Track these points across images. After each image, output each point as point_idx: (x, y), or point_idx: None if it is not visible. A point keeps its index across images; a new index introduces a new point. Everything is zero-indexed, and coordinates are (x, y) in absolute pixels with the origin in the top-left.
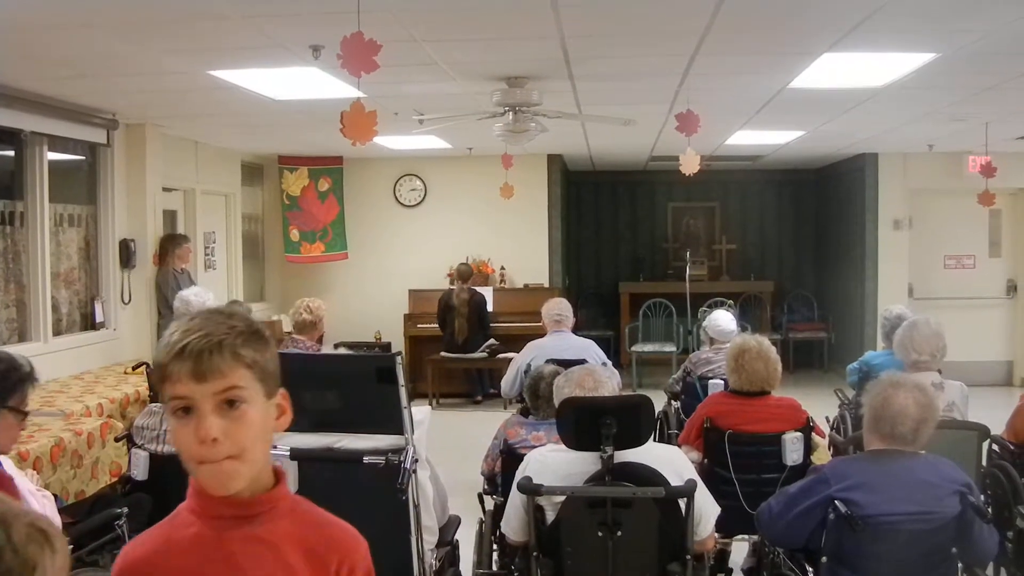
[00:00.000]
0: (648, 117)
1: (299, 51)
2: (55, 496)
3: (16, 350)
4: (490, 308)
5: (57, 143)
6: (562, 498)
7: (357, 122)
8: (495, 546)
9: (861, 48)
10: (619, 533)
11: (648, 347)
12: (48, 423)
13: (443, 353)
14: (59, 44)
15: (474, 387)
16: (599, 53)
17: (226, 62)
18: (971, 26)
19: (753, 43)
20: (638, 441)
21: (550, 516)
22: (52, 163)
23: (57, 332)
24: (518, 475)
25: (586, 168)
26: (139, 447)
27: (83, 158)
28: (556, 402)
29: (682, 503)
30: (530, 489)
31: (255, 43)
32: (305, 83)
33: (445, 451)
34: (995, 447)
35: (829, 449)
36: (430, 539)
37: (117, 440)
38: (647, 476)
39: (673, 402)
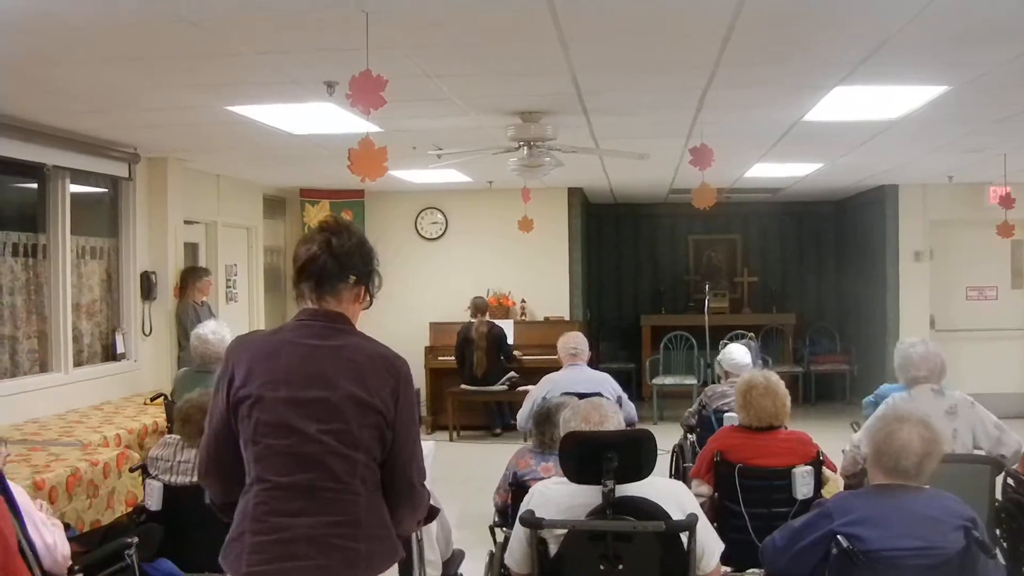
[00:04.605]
0: (664, 151)
1: (314, 87)
2: (67, 525)
3: (37, 381)
4: (510, 341)
5: (79, 176)
6: (564, 531)
7: (366, 159)
8: None
9: (872, 81)
10: (620, 567)
11: (669, 380)
12: (65, 453)
13: (463, 386)
14: (78, 79)
15: (493, 419)
16: (610, 86)
17: (243, 98)
18: (977, 59)
19: (764, 76)
20: (639, 475)
21: (553, 549)
22: (74, 196)
23: (78, 363)
24: (522, 508)
25: (607, 201)
26: (153, 477)
27: (105, 191)
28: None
29: (684, 537)
30: (532, 523)
31: (270, 79)
32: (322, 118)
33: (461, 483)
34: (1010, 481)
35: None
36: (433, 573)
37: (132, 470)
38: (648, 510)
39: (689, 435)
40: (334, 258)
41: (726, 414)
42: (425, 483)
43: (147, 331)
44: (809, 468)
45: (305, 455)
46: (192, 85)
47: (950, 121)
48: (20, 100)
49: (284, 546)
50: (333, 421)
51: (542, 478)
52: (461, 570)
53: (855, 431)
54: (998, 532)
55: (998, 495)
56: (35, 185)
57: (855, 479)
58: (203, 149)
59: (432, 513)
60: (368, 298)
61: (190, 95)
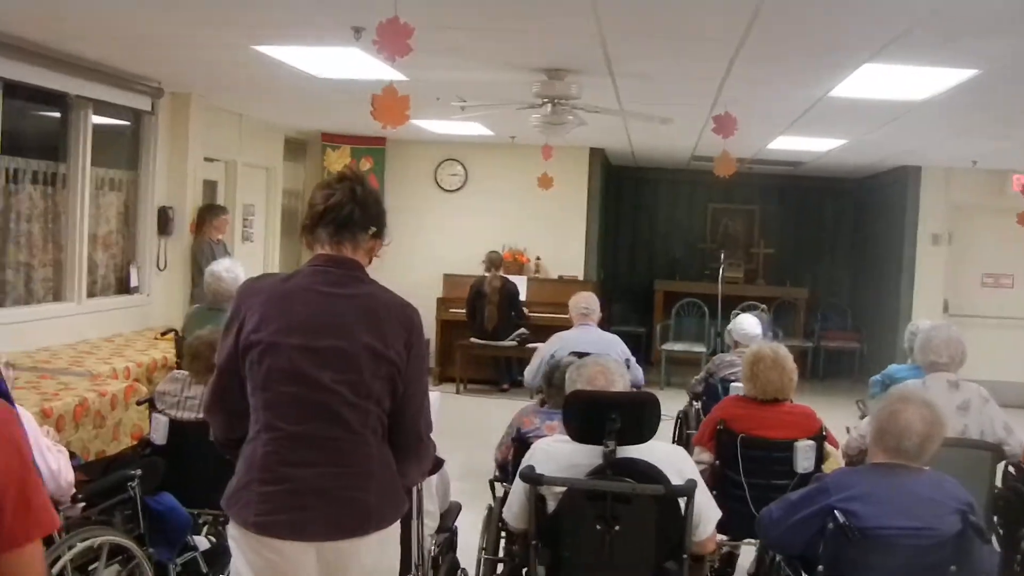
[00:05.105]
0: (688, 118)
1: (341, 32)
2: (72, 454)
3: (50, 309)
4: (523, 297)
5: (102, 108)
6: (563, 489)
7: (389, 106)
8: (503, 533)
9: (901, 60)
10: (617, 528)
11: (678, 346)
12: (74, 383)
13: (472, 339)
14: (107, 11)
15: (501, 375)
16: (638, 52)
17: (271, 38)
18: (1010, 44)
19: (792, 50)
20: (641, 438)
21: (551, 506)
22: (96, 127)
23: (91, 294)
24: (523, 464)
25: (628, 163)
26: (160, 412)
27: (127, 124)
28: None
29: (681, 503)
30: (531, 478)
31: (299, 21)
32: (348, 63)
33: (465, 437)
34: (1011, 469)
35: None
36: (431, 524)
37: (139, 404)
38: (648, 473)
39: (694, 403)
40: (360, 207)
41: (732, 383)
42: (431, 435)
43: (162, 266)
44: (811, 443)
45: (318, 404)
46: (220, 23)
47: (977, 106)
48: (47, 28)
49: (295, 496)
50: (348, 371)
51: (546, 436)
52: (459, 523)
53: (860, 409)
54: (995, 519)
55: (998, 482)
56: (58, 114)
57: (857, 458)
58: (227, 87)
59: (437, 464)
60: (373, 255)
61: (218, 33)
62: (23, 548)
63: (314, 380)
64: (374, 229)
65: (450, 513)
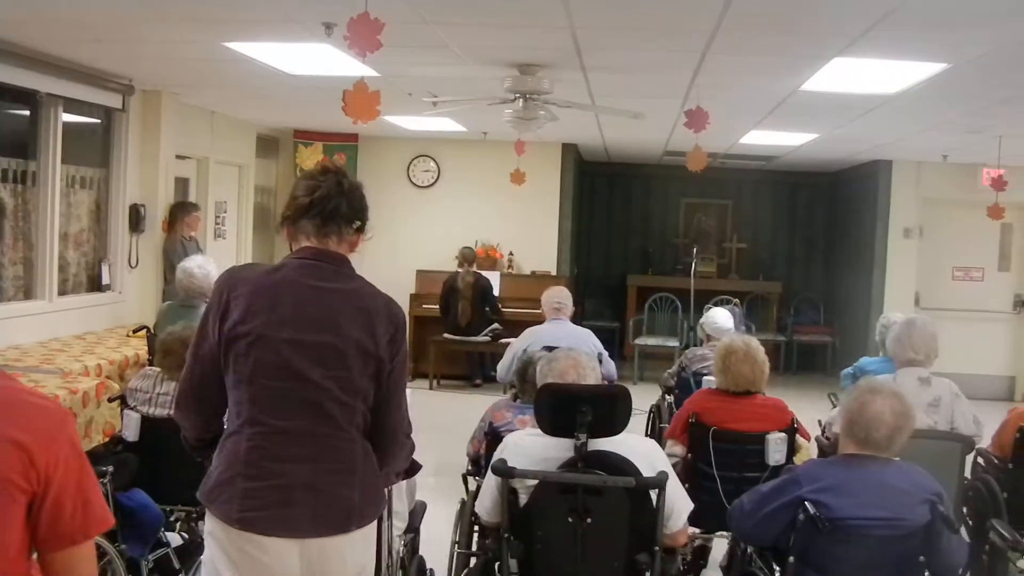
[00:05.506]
0: (661, 112)
1: (312, 27)
2: None
3: (20, 307)
4: (496, 293)
5: (73, 106)
6: (535, 482)
7: (360, 102)
8: (475, 526)
9: (872, 54)
10: (589, 520)
11: (651, 341)
12: (45, 380)
13: (446, 335)
14: (77, 7)
15: (474, 370)
16: (610, 45)
17: (241, 34)
18: (980, 37)
19: (763, 43)
20: (612, 431)
21: (523, 499)
22: (66, 125)
23: (63, 292)
24: (495, 457)
25: (601, 159)
26: (132, 409)
27: (98, 121)
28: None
29: (653, 495)
30: (503, 471)
31: (269, 17)
32: (319, 59)
33: (439, 432)
34: (980, 460)
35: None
36: (399, 524)
37: (111, 401)
38: (619, 465)
39: (667, 396)
40: (347, 200)
41: (705, 377)
42: (411, 435)
43: (133, 263)
44: (783, 435)
45: (305, 400)
46: (190, 19)
47: (947, 99)
48: (17, 26)
49: (280, 492)
50: (337, 368)
51: (518, 430)
52: (433, 517)
53: (833, 402)
54: (964, 510)
55: (968, 473)
56: (27, 112)
57: (831, 448)
58: (199, 84)
59: (414, 467)
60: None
61: (188, 29)
62: (80, 545)
63: (303, 375)
64: (359, 223)
65: (416, 512)
